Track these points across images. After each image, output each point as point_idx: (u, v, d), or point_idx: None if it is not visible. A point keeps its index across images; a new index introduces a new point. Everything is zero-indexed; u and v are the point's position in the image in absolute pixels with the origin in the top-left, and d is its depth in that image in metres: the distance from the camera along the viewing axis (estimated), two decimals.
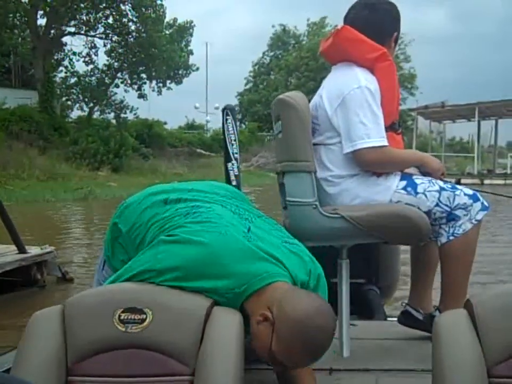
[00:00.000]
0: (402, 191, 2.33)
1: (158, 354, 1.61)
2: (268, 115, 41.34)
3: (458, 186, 2.38)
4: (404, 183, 2.34)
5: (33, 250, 7.69)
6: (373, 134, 2.27)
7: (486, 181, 30.21)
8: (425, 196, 2.31)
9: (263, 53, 51.81)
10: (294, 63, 44.56)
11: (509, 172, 35.21)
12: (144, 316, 1.65)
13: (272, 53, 51.62)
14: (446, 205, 2.30)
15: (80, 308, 1.68)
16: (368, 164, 2.31)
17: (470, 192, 2.35)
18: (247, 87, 51.42)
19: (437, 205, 2.30)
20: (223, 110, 3.26)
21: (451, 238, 2.31)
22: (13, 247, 7.47)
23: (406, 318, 2.58)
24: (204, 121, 44.59)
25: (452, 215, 2.30)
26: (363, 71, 2.35)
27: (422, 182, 2.35)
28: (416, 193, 2.31)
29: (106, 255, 2.08)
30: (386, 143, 2.29)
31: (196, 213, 1.84)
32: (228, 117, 3.21)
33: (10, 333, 5.37)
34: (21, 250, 7.45)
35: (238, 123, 3.18)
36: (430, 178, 2.39)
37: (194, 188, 2.02)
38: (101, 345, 1.63)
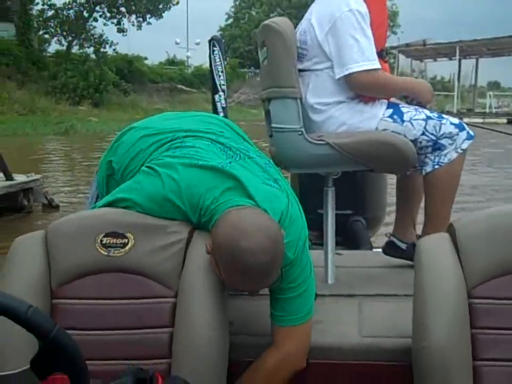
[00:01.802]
0: (389, 119, 2.30)
1: (141, 277, 1.62)
2: (249, 51, 40.86)
3: (444, 115, 2.35)
4: (390, 111, 2.31)
5: (20, 178, 7.96)
6: (366, 57, 2.22)
7: (465, 119, 30.19)
8: (412, 124, 2.28)
9: None
10: None
11: (487, 111, 35.33)
12: (126, 240, 1.65)
13: None
14: (432, 134, 2.28)
15: (62, 233, 1.67)
16: (361, 87, 2.27)
17: (456, 121, 2.33)
18: (228, 22, 50.45)
19: (423, 133, 2.28)
20: (209, 41, 3.18)
21: (436, 166, 2.30)
22: (0, 175, 7.71)
23: (390, 248, 2.60)
24: (184, 57, 43.85)
25: (438, 144, 2.29)
26: None
27: (408, 110, 2.32)
28: (403, 121, 2.29)
29: (100, 191, 2.04)
30: (379, 66, 2.25)
31: (178, 148, 1.80)
32: (214, 48, 3.14)
33: None
34: (8, 177, 7.71)
35: (224, 57, 3.11)
36: (416, 107, 2.36)
37: (190, 128, 1.91)
38: (84, 269, 1.63)
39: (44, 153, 15.54)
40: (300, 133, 2.23)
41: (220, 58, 3.17)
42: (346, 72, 2.23)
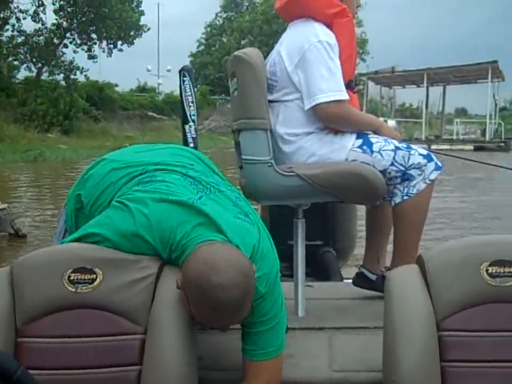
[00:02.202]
0: (358, 150, 2.32)
1: (110, 314, 1.59)
2: (219, 78, 41.09)
3: (413, 146, 2.38)
4: (359, 141, 2.33)
5: None
6: (333, 88, 2.24)
7: (433, 146, 30.74)
8: (381, 154, 2.30)
9: (216, 14, 51.14)
10: (248, 26, 44.16)
11: (454, 137, 35.94)
12: (94, 276, 1.62)
13: (225, 15, 50.96)
14: (401, 164, 2.30)
15: (28, 269, 1.64)
16: (328, 118, 2.29)
17: (424, 152, 2.36)
18: (200, 49, 50.75)
19: (392, 164, 2.30)
20: (180, 71, 3.19)
21: (405, 197, 2.31)
22: None
23: (360, 279, 2.60)
24: (155, 84, 43.86)
25: (407, 175, 2.31)
26: (321, 26, 2.32)
27: (377, 141, 2.34)
28: (372, 151, 2.31)
29: (68, 225, 2.01)
30: (347, 97, 2.28)
31: (149, 182, 1.79)
32: (185, 78, 3.15)
33: None
34: None
35: (195, 85, 3.12)
36: (385, 137, 2.38)
37: (160, 161, 1.89)
38: (51, 306, 1.59)
39: (11, 181, 15.31)
40: (270, 164, 2.23)
41: (190, 88, 3.18)
42: (314, 103, 2.25)
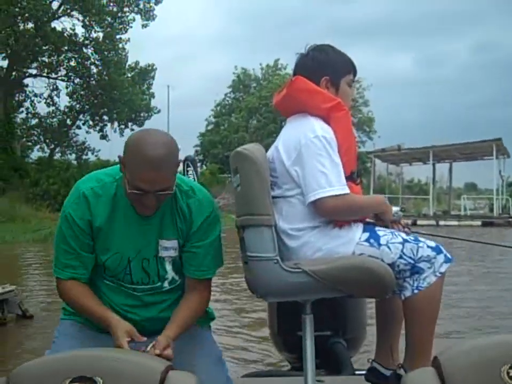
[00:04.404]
0: (365, 243, 2.27)
1: None
2: (228, 157, 41.49)
3: (421, 238, 2.34)
4: (366, 235, 2.29)
5: None
6: (333, 182, 2.22)
7: (441, 222, 30.72)
8: (389, 247, 2.26)
9: (225, 95, 52.31)
10: (255, 105, 45.08)
11: (462, 213, 35.88)
12: None
13: (233, 95, 52.13)
14: (410, 257, 2.25)
15: (25, 380, 1.56)
16: (330, 213, 2.25)
17: (433, 244, 2.31)
18: (209, 128, 51.65)
19: (401, 257, 2.25)
20: (183, 161, 3.21)
21: (415, 291, 2.25)
22: None
23: (372, 375, 2.51)
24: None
25: (416, 268, 2.25)
26: (318, 120, 2.32)
27: (384, 233, 2.31)
28: (379, 245, 2.27)
29: None
30: (348, 191, 2.25)
31: None
32: (188, 168, 3.16)
33: None
34: None
35: (198, 173, 3.15)
36: (392, 230, 2.35)
37: None
38: None
39: (21, 260, 15.48)
40: (276, 261, 2.18)
41: (193, 177, 3.19)
42: (314, 198, 2.22)
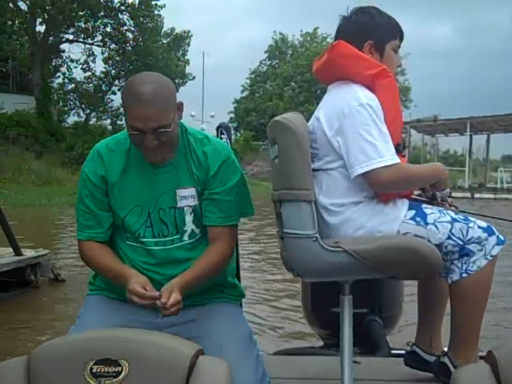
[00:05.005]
0: (411, 222, 2.11)
1: None
2: (262, 124, 41.38)
3: (471, 218, 2.17)
4: (412, 212, 2.13)
5: (29, 253, 8.27)
6: (383, 152, 2.03)
7: (477, 195, 30.17)
8: (436, 227, 2.10)
9: (260, 62, 51.94)
10: (290, 73, 44.63)
11: (498, 186, 35.15)
12: (120, 368, 1.44)
13: (269, 62, 51.67)
14: (459, 238, 2.08)
15: (46, 360, 1.47)
16: (383, 185, 2.06)
17: (484, 224, 2.13)
18: (244, 94, 51.40)
19: (449, 237, 2.09)
20: (217, 129, 3.08)
21: (464, 275, 2.09)
22: (10, 250, 8.04)
23: (413, 360, 2.37)
24: (199, 129, 44.32)
25: (465, 250, 2.09)
26: (362, 88, 2.13)
27: (432, 211, 2.14)
28: (426, 223, 2.10)
29: None
30: (398, 160, 2.06)
31: None
32: (222, 136, 3.03)
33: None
34: (17, 252, 8.00)
35: (232, 140, 3.04)
36: (441, 208, 2.19)
37: None
38: None
39: (55, 224, 15.72)
40: (315, 239, 2.02)
41: (227, 144, 3.06)
42: (363, 171, 2.04)
